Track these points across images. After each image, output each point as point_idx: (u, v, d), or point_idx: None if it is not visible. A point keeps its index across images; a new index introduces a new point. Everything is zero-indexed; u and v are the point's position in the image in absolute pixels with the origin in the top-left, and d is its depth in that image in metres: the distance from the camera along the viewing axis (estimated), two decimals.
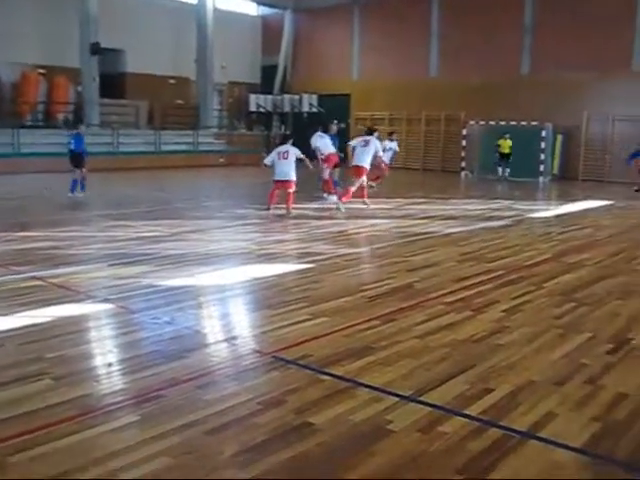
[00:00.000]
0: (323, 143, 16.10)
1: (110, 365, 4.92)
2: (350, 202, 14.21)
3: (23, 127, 24.12)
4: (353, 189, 14.33)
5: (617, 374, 4.92)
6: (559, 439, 3.84)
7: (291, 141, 14.23)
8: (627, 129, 24.02)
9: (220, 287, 7.28)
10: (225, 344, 5.49)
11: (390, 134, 19.82)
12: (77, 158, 15.45)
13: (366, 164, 14.45)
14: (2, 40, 24.54)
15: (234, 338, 5.64)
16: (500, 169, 24.40)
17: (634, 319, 6.40)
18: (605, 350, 5.44)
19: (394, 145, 20.03)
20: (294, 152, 13.73)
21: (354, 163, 14.58)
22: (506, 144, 24.01)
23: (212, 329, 6.00)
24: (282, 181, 13.52)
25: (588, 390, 4.58)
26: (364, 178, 14.63)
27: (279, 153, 13.74)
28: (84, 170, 15.46)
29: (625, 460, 3.67)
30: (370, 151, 14.44)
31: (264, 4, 34.65)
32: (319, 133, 16.49)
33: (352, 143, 15.09)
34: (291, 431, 3.86)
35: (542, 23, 25.88)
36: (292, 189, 13.49)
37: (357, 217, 13.23)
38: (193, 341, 5.47)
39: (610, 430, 3.99)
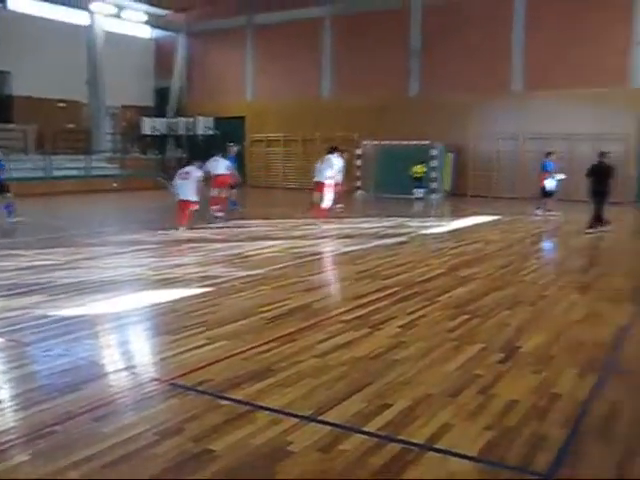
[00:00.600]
0: (213, 165, 17.15)
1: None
2: (244, 224, 14.20)
3: None
4: (323, 205, 15.87)
5: (508, 382, 5.12)
6: (455, 449, 3.96)
7: (198, 163, 15.05)
8: (510, 147, 25.21)
9: (116, 315, 7.09)
10: (122, 373, 5.35)
11: (332, 150, 17.98)
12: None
13: (323, 179, 15.93)
14: None
15: (131, 367, 5.51)
16: (415, 191, 24.90)
17: (522, 328, 6.68)
18: (496, 360, 5.65)
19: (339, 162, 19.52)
20: (195, 174, 14.30)
21: (314, 179, 16.48)
22: (420, 169, 24.64)
23: (108, 358, 5.82)
24: (183, 201, 14.17)
25: (481, 400, 4.74)
26: (327, 194, 15.92)
27: (179, 174, 14.43)
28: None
29: (517, 464, 3.82)
30: (327, 168, 16.09)
31: (157, 27, 34.28)
32: (214, 158, 17.42)
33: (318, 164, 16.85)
34: (190, 459, 3.81)
35: (429, 47, 26.83)
36: (191, 208, 14.19)
37: (255, 238, 13.22)
38: (89, 372, 5.30)
39: (503, 437, 4.14)
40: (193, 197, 14.10)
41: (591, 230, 14.18)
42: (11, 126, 27.79)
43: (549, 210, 18.26)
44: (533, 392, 4.90)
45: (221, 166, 17.18)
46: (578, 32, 23.83)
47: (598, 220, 14.36)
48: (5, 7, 28.37)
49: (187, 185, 14.08)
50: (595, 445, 4.05)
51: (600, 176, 14.48)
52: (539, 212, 18.33)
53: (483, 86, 25.42)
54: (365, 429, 4.21)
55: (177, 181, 14.32)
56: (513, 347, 6.02)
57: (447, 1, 26.29)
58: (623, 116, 23.33)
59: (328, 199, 15.78)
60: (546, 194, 18.47)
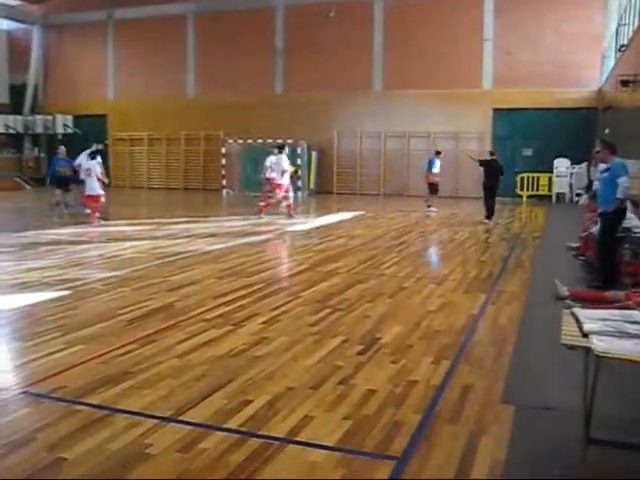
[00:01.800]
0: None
1: None
2: (107, 224, 13.79)
3: None
4: (272, 201, 17.01)
5: (367, 372, 5.26)
6: (315, 440, 4.03)
7: (98, 158, 16.27)
8: (373, 145, 25.93)
9: None
10: None
11: (281, 148, 17.69)
12: None
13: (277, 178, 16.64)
14: None
15: None
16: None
17: (382, 319, 6.89)
18: (356, 351, 5.79)
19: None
20: (96, 169, 15.73)
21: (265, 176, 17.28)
22: (291, 170, 24.63)
23: None
24: (92, 196, 15.34)
25: (341, 391, 4.84)
26: (279, 192, 16.70)
27: (85, 170, 15.59)
28: None
29: (374, 450, 3.93)
30: (279, 168, 16.68)
31: (10, 18, 32.50)
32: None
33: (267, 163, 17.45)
34: (43, 470, 3.65)
35: (293, 47, 27.10)
36: (99, 202, 15.39)
37: (117, 239, 12.86)
38: None
39: (360, 425, 4.24)
40: (100, 191, 15.37)
41: (486, 221, 16.41)
42: None
43: (429, 206, 19.11)
44: (391, 381, 5.06)
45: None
46: (433, 34, 24.84)
47: (491, 212, 16.56)
48: None
49: (92, 180, 15.30)
50: (446, 427, 4.24)
51: (493, 172, 16.52)
52: (432, 209, 18.97)
53: (345, 85, 26.00)
54: (226, 426, 4.20)
55: (85, 177, 15.43)
56: (373, 338, 6.19)
57: (308, 2, 26.65)
58: (477, 116, 24.54)
59: (276, 195, 16.76)
60: (433, 190, 19.45)
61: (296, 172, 24.98)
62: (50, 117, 31.17)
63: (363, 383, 5.00)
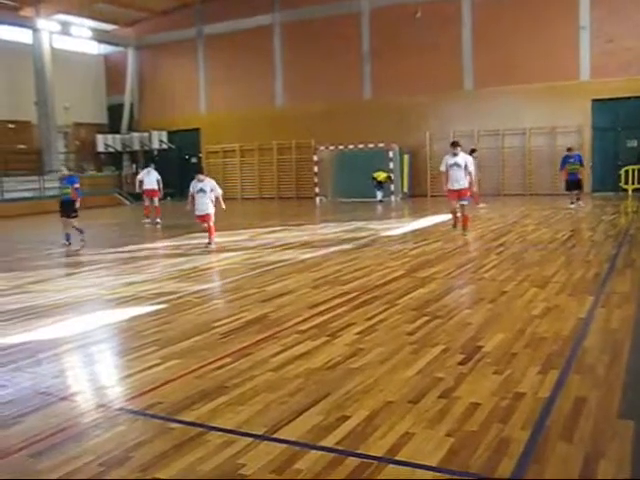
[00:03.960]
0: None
1: None
2: (200, 237, 13.95)
3: None
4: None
5: (469, 384, 4.96)
6: (417, 460, 3.78)
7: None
8: (466, 144, 25.27)
9: (65, 339, 6.79)
10: (67, 402, 5.06)
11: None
12: None
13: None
14: None
15: (77, 394, 5.24)
16: (378, 193, 24.83)
17: (483, 326, 6.55)
18: (457, 361, 5.50)
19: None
20: (210, 186, 14.09)
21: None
22: (381, 175, 24.57)
23: (53, 387, 5.48)
24: (202, 215, 13.85)
25: (442, 405, 4.57)
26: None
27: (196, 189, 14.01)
28: None
29: (480, 470, 3.65)
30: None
31: (105, 42, 33.81)
32: (147, 169, 20.13)
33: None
34: None
35: (380, 51, 26.88)
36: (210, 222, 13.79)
37: (210, 252, 12.97)
38: (31, 403, 5.00)
39: (464, 443, 3.96)
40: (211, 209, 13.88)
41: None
42: None
43: (577, 200, 18.98)
44: (495, 393, 4.75)
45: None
46: (524, 28, 24.07)
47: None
48: None
49: (205, 199, 13.83)
50: (559, 445, 3.90)
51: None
52: (574, 205, 18.74)
53: (435, 86, 25.55)
54: (322, 444, 4.01)
55: (196, 196, 13.92)
56: (474, 347, 5.88)
57: (394, 4, 26.36)
58: (575, 108, 23.59)
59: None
60: (579, 186, 19.08)
61: (389, 178, 24.76)
62: (146, 134, 32.16)
63: (466, 396, 4.71)
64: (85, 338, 6.88)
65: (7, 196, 26.40)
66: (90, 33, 31.89)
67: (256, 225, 17.98)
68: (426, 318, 6.96)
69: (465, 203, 13.74)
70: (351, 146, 26.14)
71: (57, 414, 4.80)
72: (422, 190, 26.28)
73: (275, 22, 29.47)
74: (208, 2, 30.52)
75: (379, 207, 23.13)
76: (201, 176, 14.18)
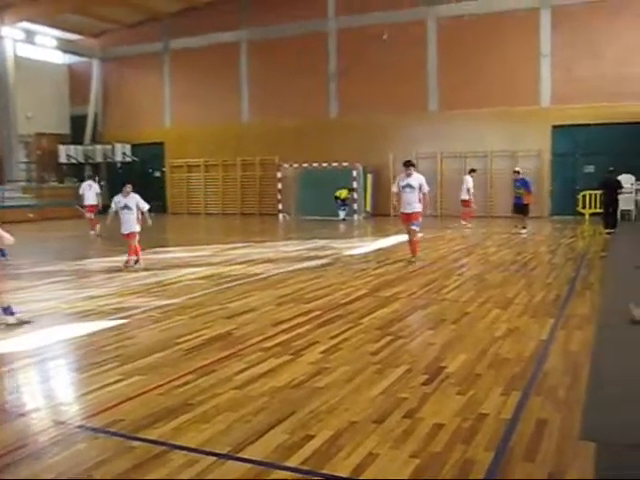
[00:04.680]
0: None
1: None
2: (164, 251, 13.81)
3: None
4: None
5: (433, 404, 4.98)
6: None
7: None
8: (429, 165, 25.60)
9: (23, 353, 6.64)
10: (25, 418, 4.94)
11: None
12: None
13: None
14: None
15: (35, 410, 5.12)
16: (341, 212, 24.94)
17: (446, 347, 6.60)
18: (421, 381, 5.52)
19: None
20: (135, 201, 12.99)
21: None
22: (342, 193, 24.72)
23: (10, 403, 5.34)
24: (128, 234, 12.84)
25: (407, 425, 4.58)
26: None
27: (120, 206, 12.94)
28: None
29: None
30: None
31: (70, 52, 33.47)
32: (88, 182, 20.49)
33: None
34: None
35: (346, 70, 27.10)
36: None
37: (174, 266, 12.87)
38: None
39: (429, 464, 3.98)
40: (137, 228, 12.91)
41: (609, 231, 17.69)
42: None
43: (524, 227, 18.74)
44: (458, 414, 4.78)
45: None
46: (488, 52, 24.52)
47: (613, 225, 18.05)
48: None
49: (130, 215, 12.85)
50: (522, 466, 3.94)
51: (611, 189, 17.97)
52: (524, 230, 18.54)
53: (400, 106, 25.83)
54: (287, 464, 3.99)
55: (120, 214, 12.89)
56: (438, 367, 5.91)
57: (361, 25, 26.63)
58: (536, 134, 24.03)
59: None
60: (522, 211, 18.89)
61: (350, 190, 24.88)
62: (109, 146, 31.85)
63: (429, 416, 4.73)
64: (44, 353, 6.75)
65: None
66: (55, 42, 31.57)
67: (219, 241, 17.90)
68: (389, 338, 6.99)
69: (415, 228, 12.80)
70: (316, 164, 26.23)
71: (15, 431, 4.69)
72: (385, 209, 26.40)
73: (242, 39, 29.53)
74: (175, 17, 30.46)
75: (342, 226, 23.22)
76: (128, 188, 13.06)
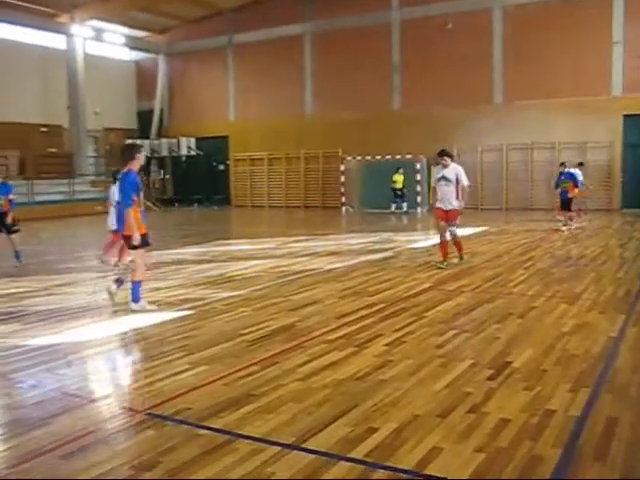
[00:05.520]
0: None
1: None
2: (228, 244, 13.96)
3: None
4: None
5: (498, 400, 4.91)
6: (446, 474, 3.75)
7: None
8: (494, 158, 25.20)
9: (93, 342, 6.84)
10: (96, 405, 5.11)
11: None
12: None
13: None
14: None
15: (106, 397, 5.28)
16: (394, 205, 24.79)
17: (512, 342, 6.48)
18: (486, 376, 5.45)
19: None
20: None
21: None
22: (399, 179, 24.51)
23: (82, 389, 5.53)
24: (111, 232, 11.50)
25: (471, 419, 4.53)
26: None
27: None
28: None
29: None
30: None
31: (137, 49, 34.19)
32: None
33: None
34: None
35: (409, 62, 26.88)
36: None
37: (238, 259, 13.02)
38: (60, 405, 5.04)
39: (494, 459, 3.92)
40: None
41: None
42: None
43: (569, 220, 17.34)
44: (525, 409, 4.69)
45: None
46: (556, 41, 23.93)
47: None
48: None
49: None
50: (593, 466, 3.84)
51: None
52: (565, 228, 16.99)
53: (464, 98, 25.46)
54: (350, 456, 3.99)
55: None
56: (503, 362, 5.82)
57: (424, 15, 26.33)
58: (606, 124, 23.36)
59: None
60: (566, 205, 17.33)
61: (404, 181, 24.62)
62: (175, 140, 32.37)
63: (495, 411, 4.66)
64: (113, 342, 6.94)
65: (38, 199, 26.70)
66: (123, 39, 32.26)
67: (283, 234, 18.03)
68: (454, 331, 6.92)
69: (454, 230, 11.42)
70: (379, 157, 26.12)
71: (86, 416, 4.84)
72: None
73: (306, 32, 29.59)
74: (239, 11, 30.75)
75: (405, 218, 23.07)
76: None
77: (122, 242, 9.71)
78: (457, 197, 11.29)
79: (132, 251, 8.49)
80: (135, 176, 8.27)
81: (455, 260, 11.70)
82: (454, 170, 11.41)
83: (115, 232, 10.74)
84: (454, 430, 4.36)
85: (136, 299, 8.27)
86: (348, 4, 27.86)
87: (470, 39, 25.42)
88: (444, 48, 25.77)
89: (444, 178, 11.36)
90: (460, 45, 25.44)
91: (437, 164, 11.86)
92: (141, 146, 9.12)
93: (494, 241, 15.16)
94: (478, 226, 18.55)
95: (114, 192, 10.89)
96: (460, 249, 11.68)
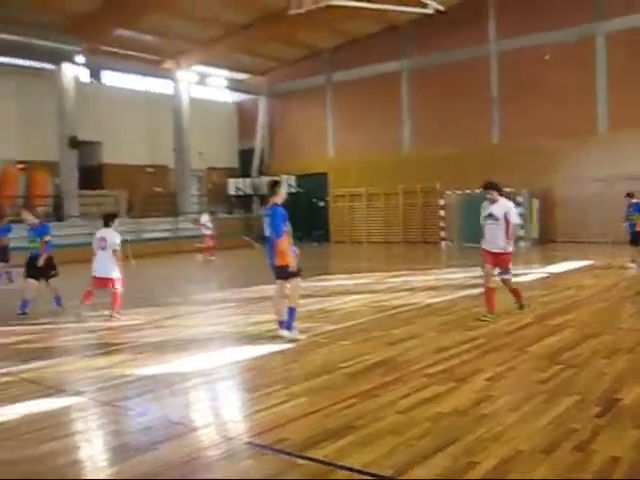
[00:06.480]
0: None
1: (77, 462, 4.66)
2: (327, 279, 14.04)
3: None
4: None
5: (608, 437, 4.72)
6: None
7: (115, 222, 11.10)
8: (599, 189, 24.37)
9: (196, 373, 7.04)
10: (198, 433, 5.24)
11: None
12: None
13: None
14: None
15: (208, 425, 5.41)
16: None
17: (621, 378, 6.23)
18: (593, 413, 5.25)
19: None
20: (113, 240, 10.74)
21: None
22: None
23: (186, 417, 5.70)
24: (101, 278, 10.80)
25: (578, 457, 4.37)
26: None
27: (98, 240, 10.90)
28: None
29: None
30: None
31: (238, 91, 35.36)
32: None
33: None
34: None
35: (508, 94, 26.55)
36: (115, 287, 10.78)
37: (338, 293, 13.10)
38: (165, 432, 5.21)
39: None
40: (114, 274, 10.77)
41: None
42: (103, 192, 28.99)
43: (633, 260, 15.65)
44: (636, 447, 4.49)
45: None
46: None
47: None
48: (100, 81, 29.93)
49: (105, 254, 10.78)
50: None
51: None
52: (632, 265, 15.51)
53: (565, 129, 24.83)
54: None
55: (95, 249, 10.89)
56: (612, 399, 5.59)
57: (523, 46, 26.00)
58: None
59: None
60: (634, 240, 15.64)
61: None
62: (276, 178, 32.97)
63: (604, 449, 4.48)
64: (215, 373, 7.11)
65: (144, 236, 27.83)
66: (225, 82, 33.42)
67: (382, 269, 18.03)
68: (558, 367, 6.71)
69: (507, 277, 9.85)
70: (478, 190, 25.79)
71: (190, 443, 4.97)
72: (551, 235, 25.49)
73: (403, 68, 29.80)
74: (337, 50, 31.34)
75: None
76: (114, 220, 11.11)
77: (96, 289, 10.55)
78: (507, 237, 9.58)
79: (288, 280, 8.60)
80: (282, 208, 8.67)
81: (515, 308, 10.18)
82: (503, 207, 9.72)
83: (105, 279, 10.65)
84: (560, 467, 4.22)
85: (290, 327, 8.50)
86: (444, 39, 27.89)
87: (571, 68, 24.80)
88: (543, 79, 25.32)
89: (491, 216, 9.70)
90: (560, 75, 24.89)
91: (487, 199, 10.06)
92: (281, 181, 9.69)
93: (600, 275, 14.64)
94: (582, 259, 17.98)
95: (112, 235, 10.70)
96: (518, 296, 10.08)
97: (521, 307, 10.04)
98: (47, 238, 11.55)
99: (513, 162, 25.76)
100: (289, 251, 8.48)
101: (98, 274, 10.72)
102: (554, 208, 25.54)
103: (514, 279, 10.05)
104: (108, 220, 11.00)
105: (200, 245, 24.08)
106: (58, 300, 11.72)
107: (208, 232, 23.87)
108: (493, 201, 9.75)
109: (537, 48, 25.45)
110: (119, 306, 10.73)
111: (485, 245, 9.79)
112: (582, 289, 12.45)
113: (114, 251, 10.61)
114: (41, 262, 11.34)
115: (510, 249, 9.65)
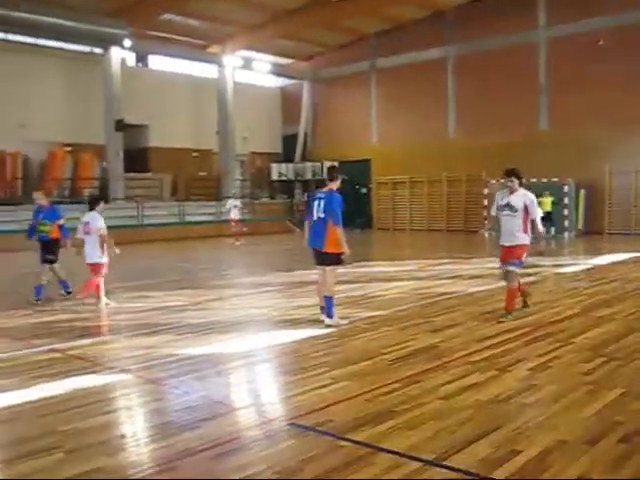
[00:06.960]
0: None
1: (123, 437, 4.79)
2: (369, 265, 14.04)
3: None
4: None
5: None
6: None
7: (100, 205, 10.69)
8: None
9: (239, 354, 7.14)
10: (242, 412, 5.34)
11: None
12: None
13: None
14: (31, 120, 25.35)
15: (252, 406, 5.51)
16: (551, 228, 23.78)
17: None
18: (638, 407, 5.19)
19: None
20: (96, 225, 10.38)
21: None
22: (547, 201, 23.49)
23: (229, 397, 5.82)
24: (90, 264, 10.42)
25: (622, 449, 4.33)
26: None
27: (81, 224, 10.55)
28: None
29: None
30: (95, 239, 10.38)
31: (283, 75, 35.42)
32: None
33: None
34: None
35: (557, 81, 26.08)
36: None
37: (380, 280, 13.11)
38: (209, 410, 5.32)
39: None
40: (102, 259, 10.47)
41: None
42: (148, 175, 29.40)
43: None
44: None
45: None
46: None
47: None
48: (146, 65, 30.29)
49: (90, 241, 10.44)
50: None
51: None
52: None
53: (617, 118, 24.24)
54: (492, 476, 3.94)
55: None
56: None
57: (575, 32, 25.45)
58: None
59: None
60: None
61: (555, 203, 23.53)
62: (318, 164, 33.06)
63: None
64: (257, 355, 7.20)
65: (188, 219, 28.18)
66: (269, 67, 33.50)
67: (424, 256, 17.97)
68: (603, 359, 6.63)
69: (513, 269, 8.73)
70: (523, 179, 25.44)
71: (233, 423, 5.07)
72: (599, 227, 25.05)
73: (448, 55, 29.49)
74: (382, 36, 31.15)
75: (551, 243, 22.30)
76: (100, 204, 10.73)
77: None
78: (524, 230, 8.72)
79: (328, 267, 8.63)
80: (339, 195, 8.69)
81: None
82: (523, 197, 8.81)
83: (93, 265, 10.33)
84: (604, 459, 4.19)
85: (331, 314, 8.54)
86: (491, 25, 27.46)
87: (624, 54, 24.23)
88: (595, 65, 24.75)
89: (509, 206, 8.78)
90: (612, 62, 24.33)
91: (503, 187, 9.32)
92: (338, 168, 9.82)
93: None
94: (630, 251, 17.66)
95: (96, 219, 10.35)
96: (510, 301, 8.88)
97: (509, 312, 8.79)
98: (61, 222, 11.22)
99: (560, 151, 25.37)
100: (344, 239, 8.45)
101: (87, 260, 10.38)
102: (602, 199, 25.08)
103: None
104: (93, 204, 10.61)
105: (235, 230, 24.32)
106: (66, 285, 11.38)
107: (234, 216, 24.26)
108: (512, 191, 8.86)
109: (589, 34, 24.88)
110: (89, 293, 10.35)
111: (501, 240, 9.03)
112: (629, 282, 12.24)
113: (100, 235, 10.28)
114: (68, 246, 11.06)
115: (526, 242, 8.75)
